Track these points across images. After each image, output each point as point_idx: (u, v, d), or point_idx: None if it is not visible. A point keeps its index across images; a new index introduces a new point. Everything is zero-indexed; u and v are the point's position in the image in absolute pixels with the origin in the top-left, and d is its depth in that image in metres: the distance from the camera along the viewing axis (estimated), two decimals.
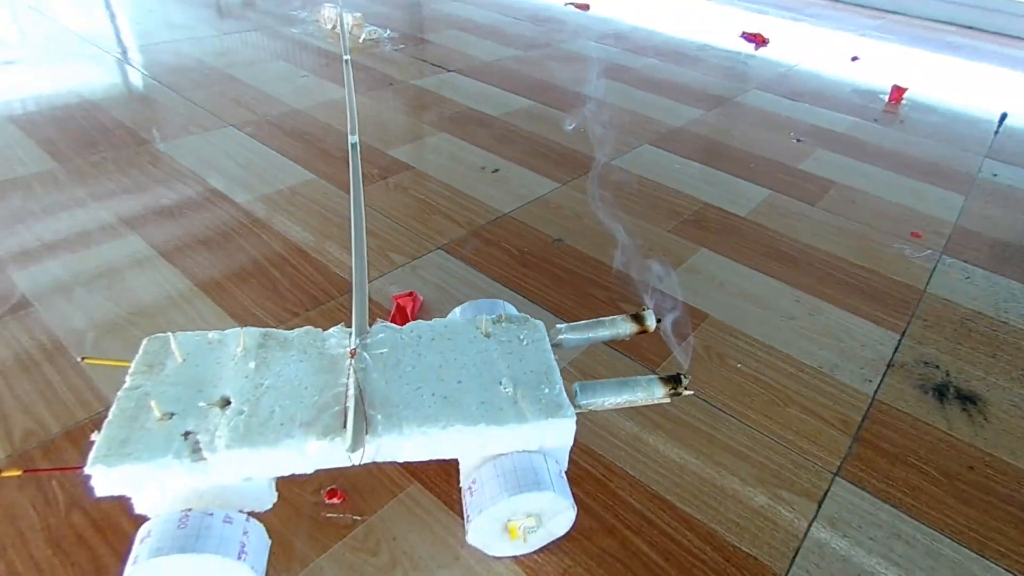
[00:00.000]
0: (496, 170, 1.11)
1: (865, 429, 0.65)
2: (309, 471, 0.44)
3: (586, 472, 0.58)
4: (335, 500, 0.54)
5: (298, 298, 0.77)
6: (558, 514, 0.48)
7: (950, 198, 1.16)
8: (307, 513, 0.53)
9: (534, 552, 0.51)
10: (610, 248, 0.91)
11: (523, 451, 0.47)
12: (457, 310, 0.63)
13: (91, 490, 0.40)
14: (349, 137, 0.91)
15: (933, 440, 0.65)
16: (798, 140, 1.35)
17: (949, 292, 0.89)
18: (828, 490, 0.58)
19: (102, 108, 1.23)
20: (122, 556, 0.49)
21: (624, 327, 0.56)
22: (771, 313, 0.81)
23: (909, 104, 1.64)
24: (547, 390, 0.48)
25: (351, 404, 0.44)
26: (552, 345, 0.55)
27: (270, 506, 0.48)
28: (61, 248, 0.83)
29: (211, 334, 0.51)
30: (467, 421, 0.45)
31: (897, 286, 0.89)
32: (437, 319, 0.55)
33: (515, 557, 0.51)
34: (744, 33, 2.15)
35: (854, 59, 1.99)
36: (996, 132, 1.51)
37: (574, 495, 0.50)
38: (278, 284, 0.79)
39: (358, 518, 0.53)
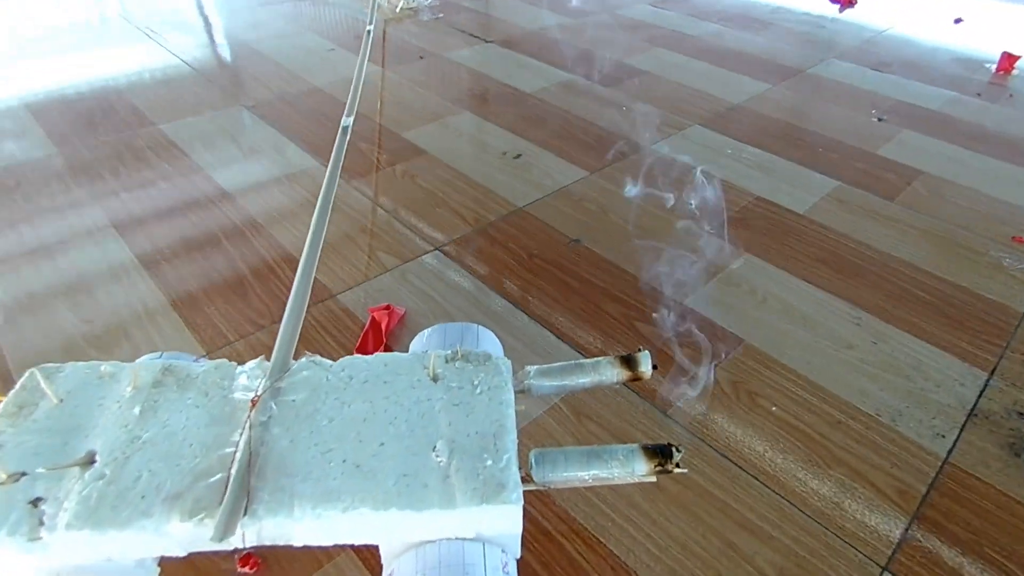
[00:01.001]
0: (519, 155, 1.00)
1: (930, 504, 0.51)
2: (181, 554, 0.36)
3: (556, 544, 0.48)
4: (247, 569, 0.46)
5: (267, 307, 0.69)
6: None
7: None
8: None
9: None
10: (634, 253, 0.79)
11: (455, 539, 0.38)
12: (422, 335, 0.53)
13: None
14: (343, 118, 0.83)
15: (1023, 524, 0.50)
16: (880, 119, 1.17)
17: None
18: None
19: (118, 90, 1.19)
20: None
21: (610, 372, 0.44)
22: (822, 339, 0.67)
23: (1022, 75, 1.40)
24: (490, 462, 0.38)
25: (233, 475, 0.36)
26: (518, 392, 0.44)
27: None
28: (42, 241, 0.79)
29: (104, 366, 0.43)
30: (377, 503, 0.35)
31: (990, 307, 0.73)
32: (379, 354, 0.45)
33: None
34: None
35: (957, 21, 1.73)
36: None
37: (533, 573, 0.40)
38: (250, 291, 0.71)
39: None
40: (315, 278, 0.73)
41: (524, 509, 0.44)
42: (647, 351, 0.45)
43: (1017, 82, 1.37)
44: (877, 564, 0.47)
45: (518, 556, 0.41)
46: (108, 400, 0.41)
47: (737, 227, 0.85)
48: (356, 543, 0.37)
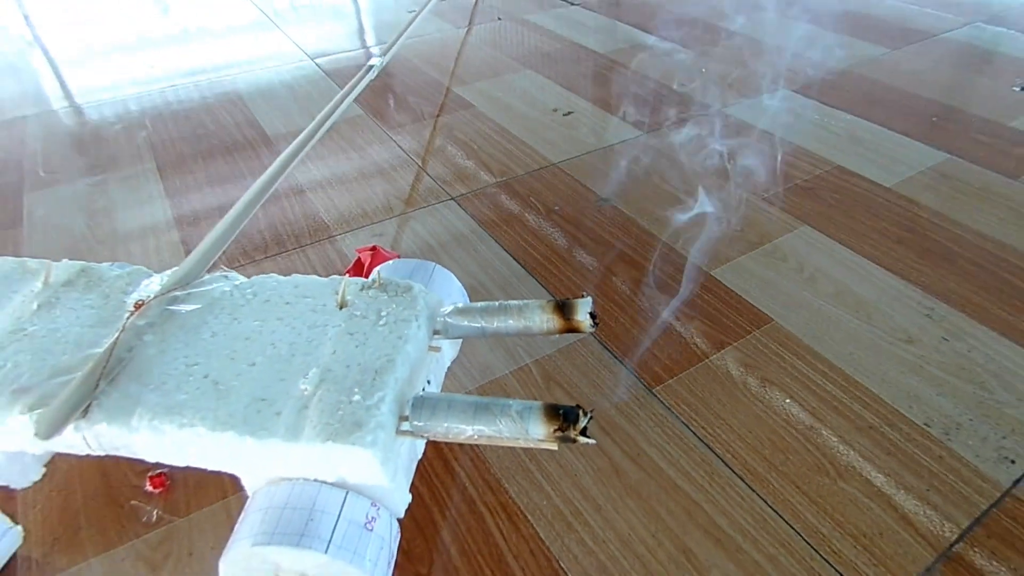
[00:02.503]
0: (569, 112, 0.93)
1: (972, 541, 0.40)
2: (14, 449, 0.34)
3: (477, 517, 0.42)
4: (153, 489, 0.44)
5: (257, 242, 0.69)
6: None
7: None
8: (114, 496, 0.44)
9: None
10: (667, 218, 0.70)
11: (313, 480, 0.34)
12: (376, 271, 0.49)
13: None
14: (374, 58, 0.81)
15: None
16: (1021, 88, 0.98)
17: None
18: None
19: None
20: None
21: (539, 318, 0.38)
22: (877, 329, 0.56)
23: None
24: (358, 398, 0.33)
25: (81, 376, 0.34)
26: (435, 332, 0.39)
27: (29, 484, 0.39)
28: None
29: (31, 262, 0.43)
30: (215, 424, 0.32)
31: None
32: (296, 275, 0.42)
33: None
34: None
35: None
36: None
37: (443, 544, 0.36)
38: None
39: (166, 516, 0.43)
40: (319, 217, 0.72)
41: (450, 469, 0.40)
42: (589, 297, 0.38)
43: None
44: None
45: (399, 516, 0.36)
46: (18, 294, 0.40)
47: (800, 196, 0.74)
48: (209, 468, 0.34)
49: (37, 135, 0.90)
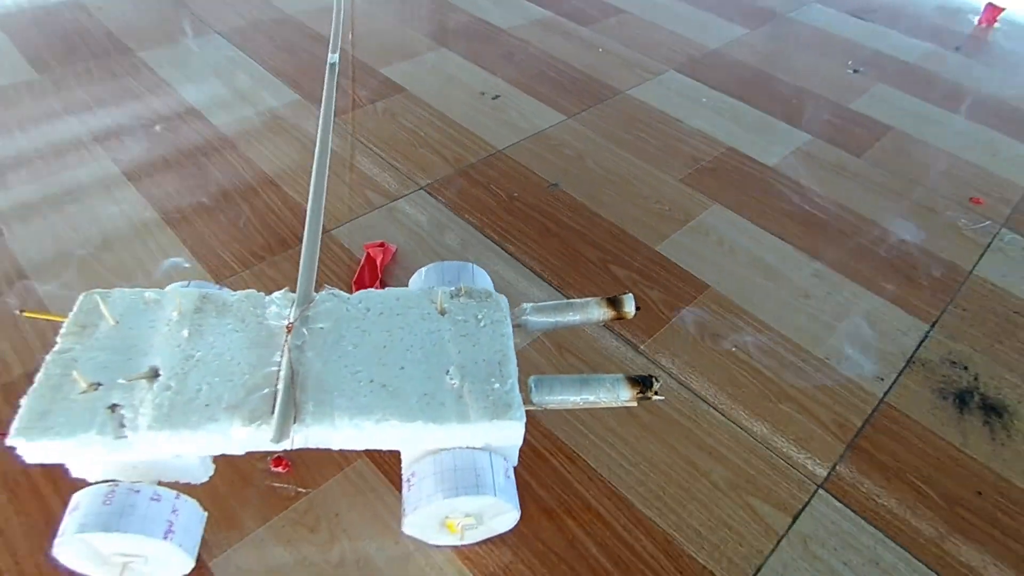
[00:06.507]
0: (497, 96, 1.09)
1: (864, 436, 0.66)
2: (239, 453, 0.47)
3: (543, 459, 0.61)
4: (280, 469, 0.57)
5: (265, 240, 0.79)
6: (500, 515, 0.51)
7: None
8: (253, 480, 0.57)
9: (475, 543, 0.54)
10: (609, 199, 0.91)
11: (467, 447, 0.50)
12: (420, 272, 0.64)
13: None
14: (330, 54, 0.90)
15: (942, 457, 0.66)
16: (855, 71, 1.30)
17: (1000, 276, 0.87)
18: (807, 503, 0.60)
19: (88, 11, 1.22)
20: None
21: (597, 312, 0.56)
22: (783, 288, 0.81)
23: (1004, 28, 1.55)
24: (497, 385, 0.49)
25: (280, 390, 0.47)
26: (515, 326, 0.56)
27: (205, 479, 0.51)
28: (31, 165, 0.85)
29: (148, 293, 0.53)
30: (404, 416, 0.47)
31: (940, 264, 0.88)
32: (391, 288, 0.56)
33: (454, 546, 0.54)
34: None
35: None
36: None
37: (525, 482, 0.53)
38: (248, 223, 0.80)
39: (302, 490, 0.56)
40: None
41: None
42: (631, 294, 0.57)
43: (998, 35, 1.52)
44: (813, 483, 0.62)
45: (515, 464, 0.54)
46: (158, 323, 0.51)
47: (707, 177, 0.97)
48: (383, 448, 0.49)
49: None
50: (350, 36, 1.20)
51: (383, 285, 0.74)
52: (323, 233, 0.80)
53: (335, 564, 0.53)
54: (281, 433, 0.45)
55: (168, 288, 0.55)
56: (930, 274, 0.86)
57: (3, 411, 0.60)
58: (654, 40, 1.31)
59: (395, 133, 0.98)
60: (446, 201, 0.87)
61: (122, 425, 0.44)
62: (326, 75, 0.84)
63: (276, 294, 0.54)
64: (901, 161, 1.06)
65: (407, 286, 0.64)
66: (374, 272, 0.74)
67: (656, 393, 0.51)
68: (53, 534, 0.45)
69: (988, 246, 0.92)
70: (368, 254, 0.76)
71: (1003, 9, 1.58)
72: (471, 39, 1.24)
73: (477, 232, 0.83)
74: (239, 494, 0.56)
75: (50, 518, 0.53)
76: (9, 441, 0.43)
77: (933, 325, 0.79)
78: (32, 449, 0.43)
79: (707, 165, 1.00)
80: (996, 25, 1.57)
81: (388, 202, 0.86)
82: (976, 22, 1.57)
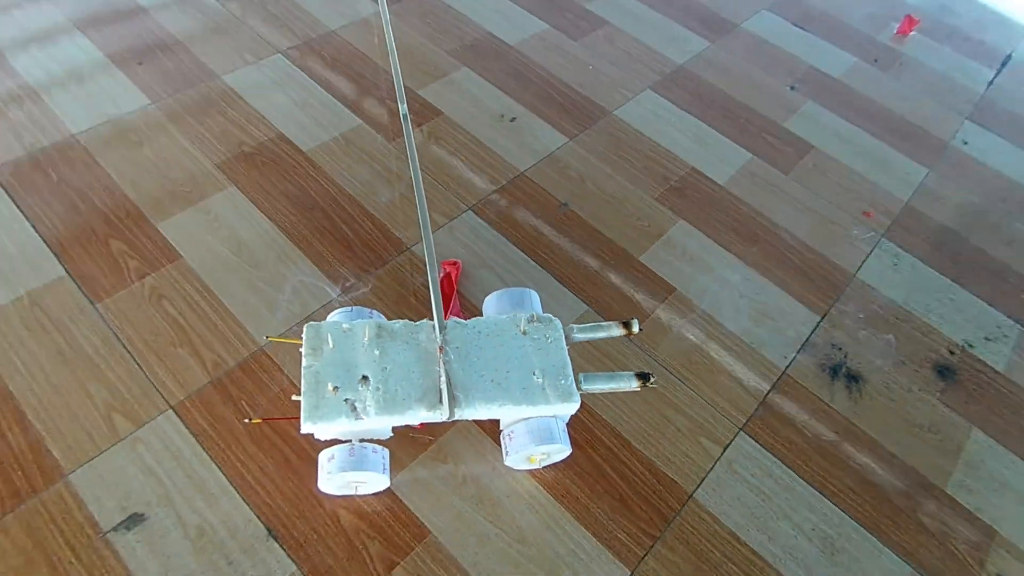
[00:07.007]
0: (514, 119, 1.40)
1: (770, 397, 1.06)
2: (416, 424, 0.82)
3: (579, 419, 0.98)
4: (419, 426, 0.93)
5: (367, 257, 1.11)
6: (561, 452, 0.89)
7: (914, 172, 1.49)
8: (406, 435, 0.92)
9: (542, 468, 0.92)
10: (605, 216, 1.25)
11: (543, 417, 0.87)
12: (492, 297, 0.98)
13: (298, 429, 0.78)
14: (400, 106, 1.19)
15: (816, 409, 1.06)
16: (792, 87, 1.64)
17: (875, 279, 1.27)
18: (732, 441, 1.00)
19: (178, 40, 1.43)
20: (306, 465, 0.88)
21: (616, 331, 0.92)
22: (727, 291, 1.19)
23: (917, 38, 1.88)
24: (563, 381, 0.86)
25: (443, 389, 0.82)
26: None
27: (387, 438, 0.87)
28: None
29: (344, 325, 0.86)
30: (514, 402, 0.83)
31: (834, 270, 1.26)
32: (489, 316, 0.91)
33: (530, 470, 0.92)
34: None
35: None
36: (991, 83, 1.80)
37: (571, 433, 0.90)
38: (352, 243, 1.12)
39: (431, 438, 0.93)
40: (392, 233, 1.15)
41: None
42: (636, 319, 0.93)
43: (910, 46, 1.86)
44: (736, 426, 1.02)
45: (567, 422, 0.91)
46: (356, 345, 0.84)
47: (674, 196, 1.32)
48: (503, 419, 0.85)
49: None
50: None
51: (457, 295, 1.07)
52: (406, 250, 1.13)
53: (459, 481, 0.90)
54: (451, 415, 0.80)
55: (355, 323, 0.88)
56: (826, 278, 1.25)
57: (245, 383, 0.93)
58: (632, 55, 1.61)
59: (443, 157, 1.29)
60: (490, 221, 1.20)
61: (356, 411, 0.79)
62: (403, 127, 1.14)
63: (422, 323, 0.88)
64: (816, 179, 1.43)
65: (473, 297, 0.98)
66: (451, 285, 1.08)
67: (653, 384, 0.89)
68: (313, 475, 0.80)
69: (870, 254, 1.31)
70: (445, 270, 1.09)
71: (918, 22, 1.92)
72: (485, 57, 1.52)
73: (517, 249, 1.17)
74: (400, 444, 0.91)
75: (310, 465, 0.88)
76: (303, 428, 0.77)
77: (823, 318, 1.19)
78: (315, 429, 0.78)
79: (675, 184, 1.34)
80: (911, 34, 1.91)
81: (448, 221, 1.18)
82: (895, 30, 1.91)
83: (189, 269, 1.05)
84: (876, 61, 1.79)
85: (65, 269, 1.02)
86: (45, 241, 1.05)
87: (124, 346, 0.95)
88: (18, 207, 1.08)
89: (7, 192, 1.10)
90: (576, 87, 1.50)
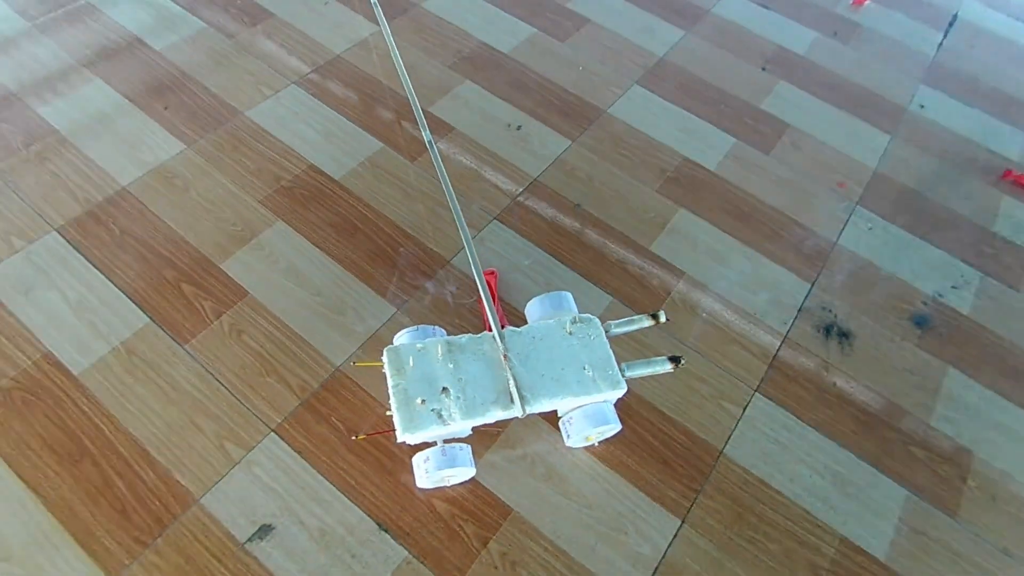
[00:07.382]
0: (519, 127, 1.53)
1: (776, 360, 1.24)
2: (492, 422, 0.98)
3: (626, 402, 1.15)
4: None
5: (413, 273, 1.25)
6: (613, 430, 1.05)
7: (878, 139, 1.66)
8: (475, 429, 1.08)
9: (597, 444, 1.09)
10: (616, 212, 1.40)
11: (596, 403, 1.03)
12: (534, 302, 1.13)
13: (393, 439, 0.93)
14: (424, 134, 1.32)
15: (816, 365, 1.24)
16: (763, 69, 1.79)
17: (854, 244, 1.44)
18: (749, 401, 1.17)
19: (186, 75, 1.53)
20: (397, 465, 1.03)
21: (646, 322, 1.08)
22: (729, 269, 1.35)
23: (871, 7, 2.03)
24: (610, 372, 1.02)
25: (513, 391, 0.97)
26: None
27: (468, 435, 1.02)
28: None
29: (418, 344, 1.01)
30: (571, 395, 0.99)
31: (818, 240, 1.43)
32: (538, 323, 1.06)
33: (587, 447, 1.08)
34: None
35: None
36: (940, 44, 1.96)
37: (619, 414, 1.07)
38: (397, 262, 1.26)
39: (499, 430, 1.09)
40: (432, 249, 1.29)
41: None
42: (663, 311, 1.09)
43: (865, 16, 2.01)
44: (751, 388, 1.19)
45: (614, 403, 1.07)
46: (431, 361, 0.99)
47: (672, 186, 1.48)
48: (560, 409, 1.01)
49: None
50: (407, 78, 1.57)
51: (498, 301, 1.22)
52: (447, 263, 1.27)
53: (529, 463, 1.06)
54: (523, 412, 0.96)
55: (428, 341, 1.02)
56: (813, 247, 1.42)
57: (331, 401, 1.08)
58: (616, 51, 1.75)
59: (461, 171, 1.42)
60: (514, 228, 1.34)
61: (442, 419, 0.94)
62: (431, 155, 1.27)
63: (483, 335, 1.03)
64: (793, 156, 1.59)
65: (512, 301, 1.13)
66: (492, 294, 1.22)
67: (683, 364, 1.05)
68: (403, 472, 0.96)
69: (848, 220, 1.48)
70: (487, 281, 1.23)
71: None
72: (484, 67, 1.64)
73: (542, 252, 1.32)
74: (474, 437, 1.07)
75: (400, 465, 1.04)
76: (399, 438, 0.92)
77: (813, 284, 1.36)
78: (411, 438, 0.93)
79: (672, 175, 1.50)
80: (865, 3, 2.06)
81: (477, 233, 1.33)
82: (851, 1, 2.06)
83: (258, 303, 1.18)
84: (836, 34, 1.94)
85: (149, 316, 1.15)
86: (123, 292, 1.17)
87: (218, 381, 1.09)
88: (91, 262, 1.20)
89: (78, 250, 1.21)
90: (570, 89, 1.63)
